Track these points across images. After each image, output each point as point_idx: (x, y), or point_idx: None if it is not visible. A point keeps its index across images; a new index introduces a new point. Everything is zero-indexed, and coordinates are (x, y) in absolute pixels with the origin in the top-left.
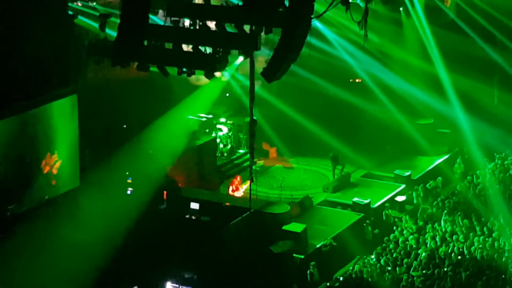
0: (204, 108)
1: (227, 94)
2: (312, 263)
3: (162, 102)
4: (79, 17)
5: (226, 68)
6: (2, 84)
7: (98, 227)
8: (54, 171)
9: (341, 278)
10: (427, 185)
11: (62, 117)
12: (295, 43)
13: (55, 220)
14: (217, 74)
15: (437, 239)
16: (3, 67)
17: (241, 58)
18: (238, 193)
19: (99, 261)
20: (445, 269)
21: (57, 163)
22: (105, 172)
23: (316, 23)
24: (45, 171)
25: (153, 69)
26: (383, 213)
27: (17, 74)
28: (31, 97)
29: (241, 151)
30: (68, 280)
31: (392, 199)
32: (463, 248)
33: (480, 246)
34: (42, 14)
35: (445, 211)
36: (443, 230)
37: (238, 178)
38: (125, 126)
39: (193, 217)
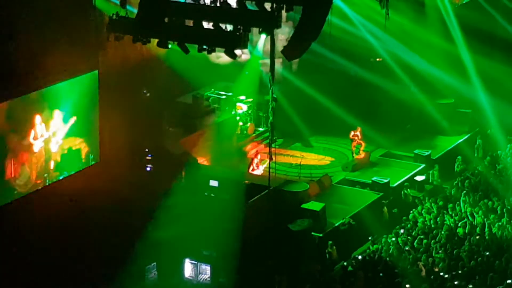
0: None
1: (247, 73)
2: (330, 242)
3: (184, 80)
4: None
5: (248, 46)
6: (21, 60)
7: (117, 203)
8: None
9: (359, 257)
10: (455, 167)
11: (82, 93)
12: (316, 21)
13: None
14: (237, 52)
15: (457, 219)
16: (21, 43)
17: (263, 37)
18: (258, 171)
19: (117, 237)
20: (465, 249)
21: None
22: (124, 148)
23: (337, 1)
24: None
25: (174, 47)
26: (402, 192)
27: (36, 50)
28: (51, 73)
29: (261, 129)
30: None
31: (411, 179)
32: (483, 228)
33: (500, 226)
34: None
35: (465, 191)
36: (463, 210)
37: (258, 156)
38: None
39: (212, 195)
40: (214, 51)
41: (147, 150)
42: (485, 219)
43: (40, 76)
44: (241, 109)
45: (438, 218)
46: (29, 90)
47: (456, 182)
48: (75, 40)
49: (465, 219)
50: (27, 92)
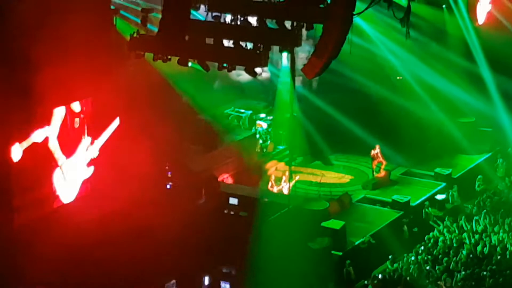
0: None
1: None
2: (348, 261)
3: (206, 97)
4: (121, 11)
5: (268, 65)
6: (43, 79)
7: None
8: None
9: (379, 276)
10: (476, 187)
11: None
12: (336, 39)
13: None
14: (258, 70)
15: (477, 238)
16: (44, 63)
17: (285, 56)
18: (278, 189)
19: (143, 253)
20: (486, 268)
21: None
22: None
23: (358, 20)
24: None
25: (194, 65)
26: (423, 211)
27: (59, 69)
28: (72, 90)
29: (281, 147)
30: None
31: (432, 198)
32: (504, 247)
33: None
34: (85, 9)
35: (485, 211)
36: (484, 229)
37: (287, 173)
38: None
39: (232, 212)
40: (234, 69)
41: (167, 167)
42: (506, 239)
43: (61, 94)
44: (261, 126)
45: (459, 237)
46: (49, 107)
47: (477, 201)
48: (95, 59)
49: (486, 238)
50: (48, 108)
